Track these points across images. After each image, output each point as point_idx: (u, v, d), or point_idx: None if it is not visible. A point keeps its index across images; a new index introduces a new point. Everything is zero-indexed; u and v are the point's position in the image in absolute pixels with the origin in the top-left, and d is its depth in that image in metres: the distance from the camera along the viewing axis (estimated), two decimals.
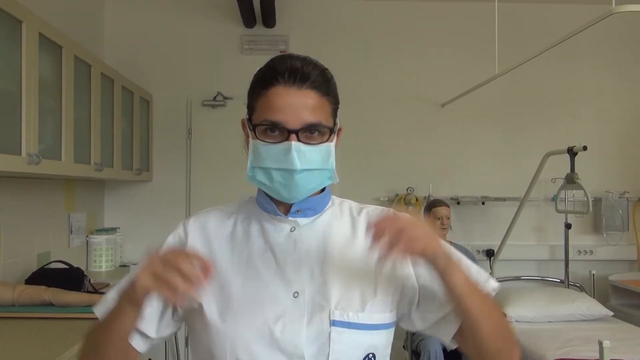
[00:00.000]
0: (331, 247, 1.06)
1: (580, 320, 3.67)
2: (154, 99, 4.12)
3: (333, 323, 0.99)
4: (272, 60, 1.04)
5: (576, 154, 3.63)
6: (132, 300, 0.95)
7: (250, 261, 1.05)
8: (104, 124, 3.05)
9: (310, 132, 0.99)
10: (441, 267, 0.96)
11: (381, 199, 4.18)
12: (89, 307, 2.32)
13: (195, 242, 1.08)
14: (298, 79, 0.98)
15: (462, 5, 4.32)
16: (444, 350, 3.24)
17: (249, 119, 1.05)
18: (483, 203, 4.24)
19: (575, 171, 3.66)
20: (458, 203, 4.25)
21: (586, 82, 4.38)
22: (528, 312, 3.67)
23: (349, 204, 1.16)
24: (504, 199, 4.21)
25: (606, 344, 2.46)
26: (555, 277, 4.27)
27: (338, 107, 1.07)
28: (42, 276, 2.58)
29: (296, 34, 4.26)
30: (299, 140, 0.98)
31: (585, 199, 3.54)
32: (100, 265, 3.57)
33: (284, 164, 0.99)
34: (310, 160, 1.00)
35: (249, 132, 1.04)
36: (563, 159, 3.73)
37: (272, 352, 0.98)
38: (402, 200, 4.20)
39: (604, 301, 4.01)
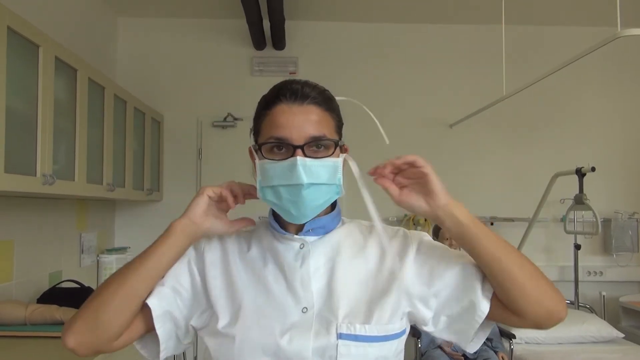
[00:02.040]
0: (339, 262, 1.08)
1: (590, 342, 3.64)
2: (165, 119, 4.17)
3: (340, 336, 0.99)
4: (274, 85, 1.08)
5: (584, 174, 3.63)
6: (185, 218, 1.07)
7: (262, 277, 1.07)
8: (116, 145, 3.10)
9: (317, 147, 1.02)
10: (441, 205, 1.02)
11: (390, 219, 4.18)
12: None
13: (212, 255, 1.12)
14: (300, 96, 1.02)
15: (469, 27, 4.36)
16: None
17: (255, 141, 1.08)
18: (492, 223, 4.24)
19: (584, 192, 3.67)
20: None
21: (594, 102, 4.39)
22: (538, 334, 3.64)
23: (359, 223, 1.18)
24: (512, 220, 4.21)
25: None
26: (565, 299, 4.23)
27: (342, 126, 1.11)
28: (54, 295, 2.60)
29: (305, 56, 4.31)
30: (305, 155, 1.00)
31: (595, 219, 3.54)
32: None
33: (290, 180, 1.00)
34: (317, 174, 1.01)
35: (255, 153, 1.06)
36: (572, 179, 3.74)
37: None
38: (411, 220, 4.21)
39: (615, 323, 3.98)
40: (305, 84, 1.05)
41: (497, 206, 4.30)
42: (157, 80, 4.22)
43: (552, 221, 4.31)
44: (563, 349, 3.53)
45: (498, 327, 3.49)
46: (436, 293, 1.06)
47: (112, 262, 3.59)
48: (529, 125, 4.35)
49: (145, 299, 1.04)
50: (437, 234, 3.60)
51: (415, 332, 3.40)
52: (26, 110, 2.15)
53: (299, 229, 1.10)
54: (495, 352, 3.30)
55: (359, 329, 1.00)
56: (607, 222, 4.24)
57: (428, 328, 1.08)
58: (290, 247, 1.09)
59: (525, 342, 3.61)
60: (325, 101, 1.05)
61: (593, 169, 3.53)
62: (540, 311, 1.01)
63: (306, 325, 1.01)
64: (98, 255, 3.63)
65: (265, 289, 1.06)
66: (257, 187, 1.05)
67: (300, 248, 1.08)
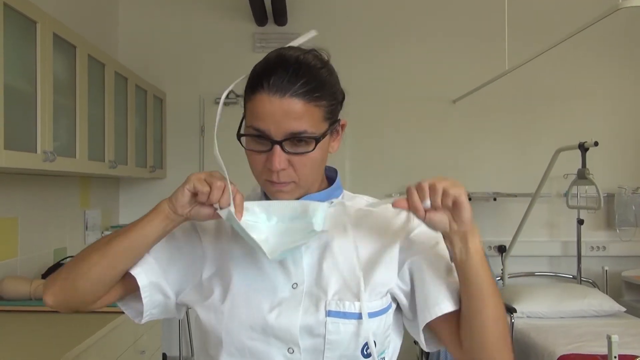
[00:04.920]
0: (333, 238, 1.06)
1: (592, 316, 3.66)
2: (167, 97, 4.17)
3: (329, 313, 0.98)
4: (267, 58, 1.02)
5: (587, 149, 3.61)
6: (170, 203, 0.98)
7: (253, 251, 1.05)
8: (117, 122, 3.11)
9: (298, 141, 0.97)
10: (461, 232, 0.96)
11: (392, 194, 4.19)
12: None
13: (206, 226, 1.11)
14: (282, 87, 0.95)
15: (471, 0, 4.32)
16: None
17: (244, 116, 1.06)
18: (494, 199, 4.24)
19: (587, 167, 3.65)
20: (469, 199, 4.22)
21: (598, 77, 4.35)
22: (540, 308, 3.67)
23: (361, 200, 1.14)
24: (515, 195, 4.21)
25: (614, 338, 2.46)
26: (567, 273, 4.26)
27: (338, 104, 1.03)
28: None
29: (307, 32, 4.28)
30: (284, 150, 0.97)
31: (597, 194, 3.53)
32: None
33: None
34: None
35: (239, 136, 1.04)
36: (575, 154, 3.72)
37: (266, 337, 0.99)
38: None
39: (617, 297, 3.99)
40: (297, 62, 0.97)
41: (500, 181, 4.29)
42: (158, 57, 4.21)
43: (555, 196, 4.30)
44: (564, 322, 3.55)
45: None
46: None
47: None
48: (532, 99, 4.33)
49: (128, 269, 1.04)
50: None
51: None
52: (25, 87, 2.16)
53: None
54: None
55: (348, 306, 0.99)
56: (610, 197, 4.23)
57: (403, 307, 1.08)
58: None
59: (527, 317, 3.64)
60: (314, 88, 0.96)
61: (596, 144, 3.51)
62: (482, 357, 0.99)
63: (295, 301, 1.00)
64: (102, 232, 3.66)
65: (255, 262, 1.05)
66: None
67: None
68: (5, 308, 2.34)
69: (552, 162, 3.85)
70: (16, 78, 2.09)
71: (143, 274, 1.04)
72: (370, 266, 1.04)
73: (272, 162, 0.96)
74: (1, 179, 2.51)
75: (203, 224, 1.10)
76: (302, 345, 0.98)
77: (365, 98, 4.18)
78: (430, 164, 4.29)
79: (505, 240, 4.16)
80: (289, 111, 0.94)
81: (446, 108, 4.30)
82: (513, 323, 3.42)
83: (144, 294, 1.04)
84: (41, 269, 2.72)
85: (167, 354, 3.96)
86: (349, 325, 0.98)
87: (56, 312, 2.23)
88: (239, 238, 1.06)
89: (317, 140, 0.98)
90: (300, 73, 0.96)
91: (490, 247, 4.24)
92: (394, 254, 1.05)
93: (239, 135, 1.01)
